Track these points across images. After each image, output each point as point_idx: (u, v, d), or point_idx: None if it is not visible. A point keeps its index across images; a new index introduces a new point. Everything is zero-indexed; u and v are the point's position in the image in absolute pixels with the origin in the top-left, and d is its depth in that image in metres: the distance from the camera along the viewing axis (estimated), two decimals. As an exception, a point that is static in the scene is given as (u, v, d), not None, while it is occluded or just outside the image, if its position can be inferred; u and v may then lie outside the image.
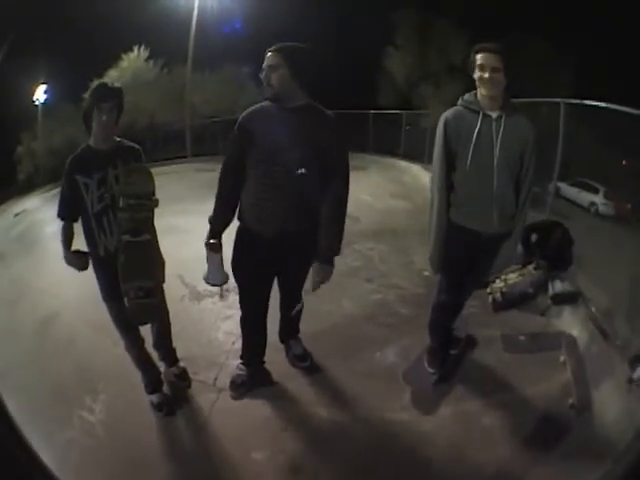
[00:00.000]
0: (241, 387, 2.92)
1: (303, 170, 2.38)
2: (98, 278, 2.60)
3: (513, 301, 3.89)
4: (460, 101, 2.59)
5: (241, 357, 3.02)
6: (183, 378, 3.03)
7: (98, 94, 2.41)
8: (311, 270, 2.64)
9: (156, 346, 2.98)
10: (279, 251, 2.55)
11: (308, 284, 2.72)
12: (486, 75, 2.38)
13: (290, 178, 2.38)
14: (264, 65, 2.35)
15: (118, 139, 2.56)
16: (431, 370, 3.06)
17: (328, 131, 2.45)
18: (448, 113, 2.59)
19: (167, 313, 2.89)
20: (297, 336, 3.23)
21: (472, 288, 2.99)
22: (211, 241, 2.57)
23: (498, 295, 3.91)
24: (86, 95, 2.48)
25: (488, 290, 4.00)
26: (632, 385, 2.53)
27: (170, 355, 3.05)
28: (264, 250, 2.53)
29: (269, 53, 2.34)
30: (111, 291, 2.56)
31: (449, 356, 3.13)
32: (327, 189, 2.51)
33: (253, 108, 2.47)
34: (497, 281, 4.02)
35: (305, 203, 2.48)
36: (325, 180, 2.49)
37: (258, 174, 2.43)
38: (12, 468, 1.19)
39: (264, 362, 3.04)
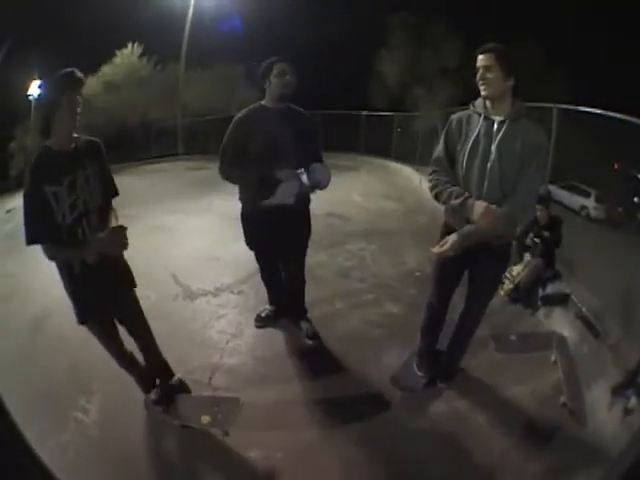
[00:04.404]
0: (265, 319, 3.71)
1: (287, 157, 2.89)
2: (74, 299, 2.34)
3: (529, 289, 4.06)
4: (471, 105, 2.52)
5: (268, 301, 3.76)
6: (183, 390, 2.89)
7: (71, 81, 2.09)
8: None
9: (147, 365, 2.78)
10: (272, 225, 3.03)
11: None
12: (480, 75, 2.34)
13: (277, 165, 2.87)
14: (289, 70, 2.93)
15: (75, 135, 2.24)
16: (420, 373, 3.06)
17: (306, 126, 3.08)
18: (455, 115, 2.57)
19: (147, 325, 2.67)
20: (307, 317, 3.59)
21: (476, 307, 2.79)
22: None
23: (513, 293, 4.09)
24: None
25: (502, 293, 4.10)
26: (629, 414, 2.49)
27: (163, 370, 2.85)
28: (263, 224, 3.08)
29: (282, 63, 2.92)
30: (90, 310, 2.36)
31: (439, 358, 3.09)
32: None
33: (247, 109, 3.03)
34: (506, 282, 4.13)
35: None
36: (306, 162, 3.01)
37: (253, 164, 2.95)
38: (12, 468, 1.18)
39: (285, 304, 3.69)
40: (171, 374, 2.89)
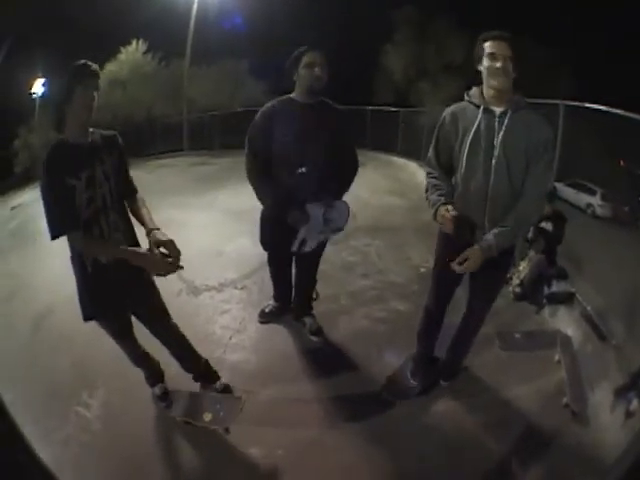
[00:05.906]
0: (269, 315, 3.70)
1: (317, 156, 2.77)
2: (84, 298, 2.25)
3: (533, 286, 4.04)
4: (466, 96, 2.34)
5: (273, 297, 3.71)
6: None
7: (84, 72, 2.00)
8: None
9: (186, 369, 2.77)
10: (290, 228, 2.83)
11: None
12: (498, 64, 2.13)
13: (306, 165, 2.76)
14: (319, 61, 2.69)
15: (91, 129, 2.17)
16: (413, 382, 2.93)
17: (340, 122, 2.88)
18: (450, 108, 2.39)
19: (177, 329, 2.63)
20: (311, 313, 3.57)
21: (479, 308, 2.67)
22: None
23: (518, 289, 4.08)
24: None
25: (510, 289, 4.11)
26: (630, 417, 2.45)
27: (205, 371, 2.81)
28: (285, 226, 2.80)
29: (312, 53, 2.70)
30: (102, 309, 2.27)
31: (435, 365, 2.99)
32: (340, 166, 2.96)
33: (274, 102, 2.82)
34: (514, 278, 4.14)
35: (315, 185, 2.83)
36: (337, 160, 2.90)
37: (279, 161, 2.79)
38: (12, 468, 1.18)
39: (290, 302, 3.62)
40: (217, 376, 2.86)
